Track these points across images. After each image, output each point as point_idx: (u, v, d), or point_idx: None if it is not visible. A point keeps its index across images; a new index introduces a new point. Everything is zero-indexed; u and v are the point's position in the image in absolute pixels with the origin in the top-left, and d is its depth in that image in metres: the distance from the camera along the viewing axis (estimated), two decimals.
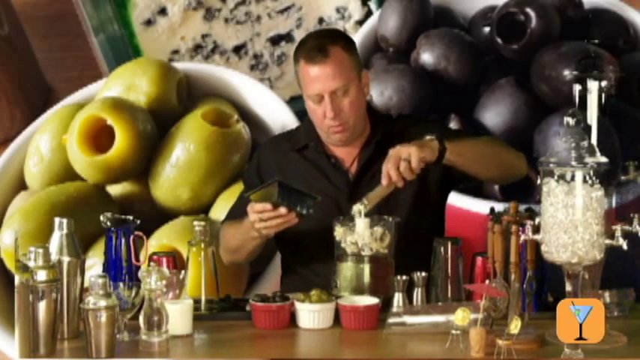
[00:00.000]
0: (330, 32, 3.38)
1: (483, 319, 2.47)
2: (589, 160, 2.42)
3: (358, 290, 2.79)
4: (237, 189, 3.54)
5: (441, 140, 2.89)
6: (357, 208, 2.81)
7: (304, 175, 3.12)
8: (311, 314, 2.68)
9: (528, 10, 3.90)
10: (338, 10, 4.38)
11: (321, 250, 2.94)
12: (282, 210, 2.84)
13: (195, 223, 2.89)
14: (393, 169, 2.82)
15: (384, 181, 2.84)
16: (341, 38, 3.12)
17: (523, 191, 3.69)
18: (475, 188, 3.90)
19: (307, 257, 3.10)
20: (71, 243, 2.61)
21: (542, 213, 2.48)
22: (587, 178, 2.42)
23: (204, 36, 4.38)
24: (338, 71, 3.02)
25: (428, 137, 2.90)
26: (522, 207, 2.72)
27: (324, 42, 3.05)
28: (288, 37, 4.41)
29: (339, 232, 2.84)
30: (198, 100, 4.20)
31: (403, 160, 2.82)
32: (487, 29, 4.09)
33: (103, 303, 2.44)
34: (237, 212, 3.13)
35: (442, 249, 2.83)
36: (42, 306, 2.46)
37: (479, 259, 2.84)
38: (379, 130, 3.12)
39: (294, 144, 3.19)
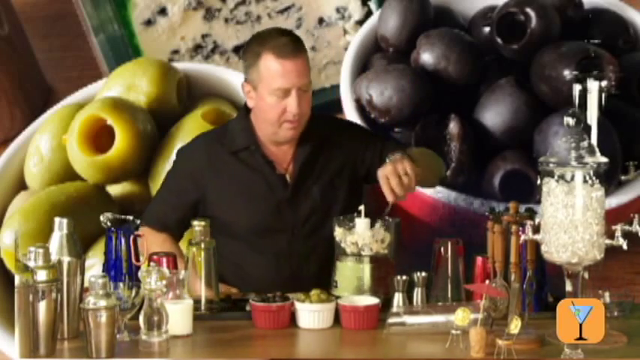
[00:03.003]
0: (290, 30, 3.29)
1: (483, 319, 2.47)
2: (589, 160, 2.42)
3: (358, 290, 2.79)
4: None
5: (409, 155, 3.00)
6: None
7: (243, 180, 3.16)
8: (311, 314, 2.68)
9: (528, 10, 3.89)
10: (338, 10, 4.38)
11: (256, 253, 3.12)
12: None
13: (195, 223, 2.89)
14: (397, 185, 2.90)
15: (389, 198, 2.90)
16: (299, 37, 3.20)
17: (523, 191, 3.68)
18: (475, 188, 3.90)
19: (242, 259, 3.16)
20: (71, 243, 2.61)
21: (542, 213, 2.48)
22: (587, 178, 2.42)
23: (204, 36, 4.38)
24: (307, 68, 3.10)
25: (398, 154, 2.99)
26: (522, 207, 2.73)
27: (296, 39, 3.13)
28: None
29: (338, 232, 2.84)
30: (198, 100, 4.19)
31: (403, 176, 2.91)
32: (487, 29, 4.08)
33: (103, 303, 2.44)
34: (160, 215, 3.23)
35: (442, 249, 2.83)
36: (42, 306, 2.45)
37: (479, 259, 2.84)
38: (312, 130, 3.16)
39: (229, 146, 3.19)
